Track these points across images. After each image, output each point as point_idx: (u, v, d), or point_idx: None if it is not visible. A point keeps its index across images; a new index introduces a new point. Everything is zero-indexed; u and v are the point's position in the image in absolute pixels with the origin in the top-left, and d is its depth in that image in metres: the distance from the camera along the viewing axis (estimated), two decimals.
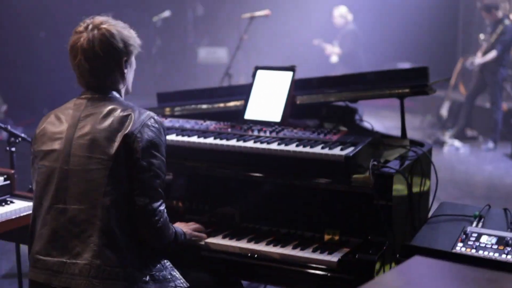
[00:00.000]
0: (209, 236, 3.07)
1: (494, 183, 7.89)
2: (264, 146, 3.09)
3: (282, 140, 3.14)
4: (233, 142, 3.16)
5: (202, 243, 3.03)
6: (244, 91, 3.62)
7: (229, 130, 3.35)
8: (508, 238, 2.65)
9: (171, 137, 3.30)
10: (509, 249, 2.59)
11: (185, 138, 3.27)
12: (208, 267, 3.06)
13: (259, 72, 3.60)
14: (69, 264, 2.55)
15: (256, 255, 2.95)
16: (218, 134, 3.28)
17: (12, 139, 3.59)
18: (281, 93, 3.48)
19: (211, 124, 3.46)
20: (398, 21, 13.18)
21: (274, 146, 3.08)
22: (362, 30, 11.02)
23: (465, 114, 10.14)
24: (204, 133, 3.33)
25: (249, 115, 3.51)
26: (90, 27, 2.67)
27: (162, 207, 2.66)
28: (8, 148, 3.62)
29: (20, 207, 3.17)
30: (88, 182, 2.56)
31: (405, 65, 11.42)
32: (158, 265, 2.69)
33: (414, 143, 3.53)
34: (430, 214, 3.22)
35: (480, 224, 2.86)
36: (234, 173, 3.20)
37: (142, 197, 2.59)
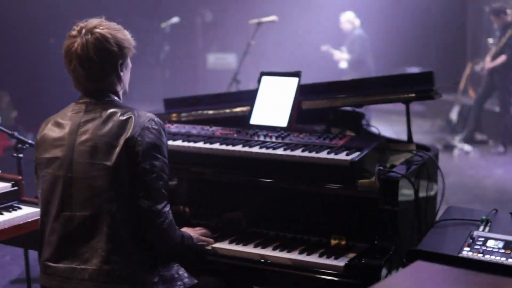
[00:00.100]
0: (216, 241, 3.07)
1: (504, 187, 7.85)
2: (270, 151, 3.09)
3: (287, 146, 3.14)
4: (238, 148, 3.17)
5: (209, 248, 3.03)
6: (250, 97, 3.62)
7: (235, 135, 3.36)
8: None
9: (177, 142, 3.31)
10: None
11: (191, 144, 3.28)
12: (215, 272, 3.05)
13: (264, 77, 3.61)
14: (78, 270, 2.56)
15: (262, 260, 2.95)
16: (224, 140, 3.29)
17: (20, 145, 3.61)
18: (287, 98, 3.48)
19: (217, 130, 3.47)
20: (406, 26, 13.17)
21: (279, 151, 3.08)
22: (371, 35, 11.00)
23: (474, 118, 10.12)
24: (210, 138, 3.34)
25: (255, 120, 3.52)
26: (83, 31, 2.65)
27: (167, 208, 2.66)
28: (15, 154, 3.63)
29: (27, 212, 3.18)
30: (92, 189, 2.57)
31: (414, 70, 11.41)
32: (166, 265, 2.70)
33: (420, 147, 3.52)
34: (437, 218, 3.21)
35: (487, 228, 2.84)
36: (240, 178, 3.20)
37: (146, 199, 2.59)
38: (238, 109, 3.71)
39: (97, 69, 2.66)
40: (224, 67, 13.20)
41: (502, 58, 9.51)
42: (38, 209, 2.81)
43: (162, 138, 2.67)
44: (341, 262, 2.81)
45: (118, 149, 2.56)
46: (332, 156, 2.98)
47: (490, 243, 2.67)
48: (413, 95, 3.36)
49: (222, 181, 3.27)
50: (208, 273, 3.04)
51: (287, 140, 3.23)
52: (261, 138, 3.28)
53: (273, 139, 3.26)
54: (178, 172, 3.36)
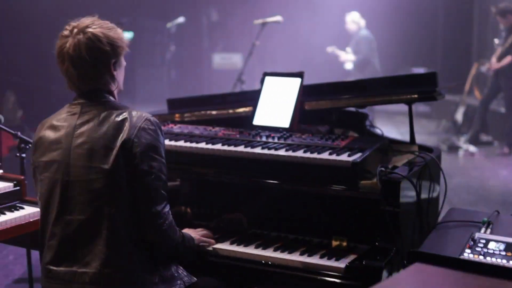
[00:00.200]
0: (217, 242, 3.08)
1: (509, 188, 7.82)
2: (272, 152, 3.09)
3: (289, 146, 3.14)
4: (240, 148, 3.17)
5: (210, 248, 3.03)
6: (253, 97, 3.62)
7: (238, 136, 3.36)
8: None
9: (180, 143, 3.31)
10: None
11: (193, 144, 3.28)
12: (216, 273, 3.05)
13: (267, 78, 3.61)
14: (79, 273, 2.56)
15: (263, 261, 2.95)
16: (226, 140, 3.28)
17: (23, 145, 3.61)
18: (290, 99, 3.48)
19: (219, 130, 3.47)
20: (412, 26, 13.17)
21: (281, 152, 3.08)
22: (377, 36, 10.99)
23: (480, 119, 10.09)
24: (212, 139, 3.34)
25: (257, 121, 3.52)
26: (75, 31, 2.62)
27: (167, 209, 2.65)
28: (18, 154, 3.64)
29: (29, 212, 3.19)
30: (91, 192, 2.56)
31: (420, 70, 11.40)
32: (166, 265, 2.70)
33: (423, 148, 3.51)
34: (439, 220, 3.20)
35: (489, 230, 2.84)
36: (242, 179, 3.20)
37: (145, 200, 2.59)
38: (241, 110, 3.72)
39: (90, 69, 2.64)
40: (230, 67, 13.20)
41: (508, 59, 9.48)
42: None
43: (159, 138, 2.65)
44: (342, 264, 2.81)
45: (115, 152, 2.54)
46: (334, 157, 2.97)
47: (492, 245, 2.67)
48: (415, 96, 3.35)
49: (224, 181, 3.27)
50: (209, 274, 3.04)
51: (289, 141, 3.23)
52: (263, 139, 3.28)
53: (275, 140, 3.26)
54: (180, 173, 3.37)
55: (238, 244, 3.06)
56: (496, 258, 2.58)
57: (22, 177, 3.38)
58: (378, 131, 3.74)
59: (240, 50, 13.35)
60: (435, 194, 3.39)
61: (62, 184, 2.59)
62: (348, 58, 10.56)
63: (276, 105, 3.51)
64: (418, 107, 12.39)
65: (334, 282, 2.80)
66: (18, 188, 3.33)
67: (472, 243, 2.70)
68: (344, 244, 3.00)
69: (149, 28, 14.14)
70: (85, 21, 2.67)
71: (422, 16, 13.31)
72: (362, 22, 10.53)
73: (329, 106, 3.53)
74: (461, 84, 8.87)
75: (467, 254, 2.63)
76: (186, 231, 2.93)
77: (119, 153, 2.54)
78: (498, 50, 9.79)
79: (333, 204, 3.12)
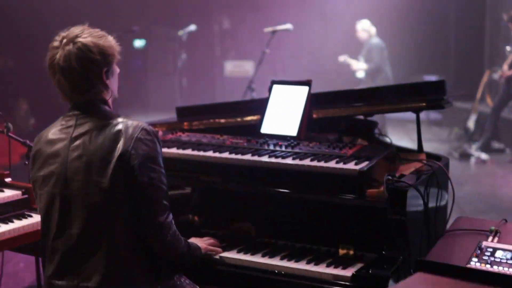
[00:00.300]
0: (224, 250, 3.08)
1: None
2: (279, 160, 3.09)
3: (297, 155, 3.14)
4: (248, 157, 3.17)
5: (217, 257, 3.03)
6: (261, 105, 3.63)
7: (245, 144, 3.36)
8: None
9: (187, 151, 3.32)
10: None
11: (201, 153, 3.28)
12: (223, 281, 3.05)
13: (275, 86, 3.62)
14: (81, 287, 2.54)
15: (270, 270, 2.95)
16: (233, 149, 3.29)
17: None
18: (297, 107, 3.48)
19: (227, 139, 3.48)
20: (424, 34, 13.16)
21: (288, 160, 3.08)
22: (389, 43, 10.98)
23: (491, 126, 10.05)
24: (219, 147, 3.34)
25: (265, 129, 3.53)
26: (64, 41, 2.57)
27: (169, 219, 2.63)
28: (26, 162, 3.65)
29: (38, 220, 3.19)
30: (90, 206, 2.53)
31: (432, 78, 11.40)
32: (168, 274, 2.70)
33: (431, 156, 3.50)
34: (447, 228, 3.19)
35: (496, 239, 2.83)
36: (250, 187, 3.21)
37: (148, 213, 2.57)
38: (249, 118, 3.73)
39: (82, 79, 2.58)
40: (242, 74, 13.24)
41: None
42: None
43: (157, 148, 2.61)
44: (348, 272, 2.80)
45: (112, 164, 2.50)
46: (340, 165, 2.97)
47: (499, 253, 2.65)
48: (423, 104, 3.35)
49: (232, 190, 3.28)
50: (216, 282, 3.04)
51: (296, 149, 3.23)
52: (271, 147, 3.28)
53: (283, 148, 3.26)
54: (188, 181, 3.38)
55: (245, 253, 3.06)
56: (503, 267, 2.57)
57: (31, 185, 3.39)
58: (386, 139, 3.73)
59: (252, 57, 13.39)
60: (443, 203, 3.38)
61: (61, 198, 2.56)
62: (360, 67, 10.55)
63: (284, 113, 3.51)
64: (430, 115, 12.37)
65: None
66: (26, 196, 3.35)
67: (479, 251, 2.69)
68: (351, 252, 3.00)
69: (160, 36, 14.21)
70: (75, 30, 2.62)
71: (434, 23, 13.30)
72: (373, 30, 10.51)
73: (336, 115, 3.54)
74: (468, 92, 8.83)
75: (474, 263, 2.62)
76: (192, 240, 2.93)
77: (117, 166, 2.50)
78: (510, 57, 9.76)
79: (340, 212, 3.11)
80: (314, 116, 3.53)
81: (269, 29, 7.94)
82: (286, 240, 3.18)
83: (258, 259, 3.00)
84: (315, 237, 3.14)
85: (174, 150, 3.35)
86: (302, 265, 2.90)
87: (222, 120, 3.79)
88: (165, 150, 3.35)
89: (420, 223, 3.09)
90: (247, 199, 3.34)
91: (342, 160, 3.01)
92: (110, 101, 2.71)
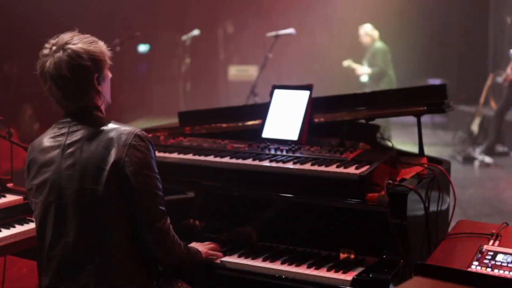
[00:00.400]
0: (225, 254, 3.08)
1: None
2: (280, 165, 3.10)
3: (297, 159, 3.15)
4: (248, 161, 3.18)
5: (218, 261, 3.03)
6: (263, 110, 3.63)
7: (246, 149, 3.37)
8: None
9: (189, 156, 3.33)
10: None
11: (202, 157, 3.29)
12: (224, 285, 3.06)
13: (276, 91, 3.63)
14: None
15: (270, 274, 2.95)
16: (234, 153, 3.30)
17: None
18: (298, 112, 3.49)
19: (228, 143, 3.48)
20: (428, 37, 13.16)
21: (289, 165, 3.09)
22: (393, 47, 10.97)
23: (495, 129, 10.04)
24: (220, 152, 3.35)
25: (266, 133, 3.53)
26: (54, 48, 2.56)
27: (167, 224, 2.63)
28: None
29: None
30: (85, 214, 2.52)
31: (436, 81, 11.40)
32: (165, 280, 2.70)
33: (432, 160, 3.50)
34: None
35: (497, 242, 2.82)
36: (251, 192, 3.21)
37: (145, 219, 2.56)
38: (250, 123, 3.74)
39: (73, 86, 2.57)
40: (246, 79, 13.22)
41: None
42: None
43: (150, 153, 2.59)
44: (348, 276, 2.80)
45: (106, 172, 2.49)
46: (341, 169, 2.98)
47: (499, 257, 2.65)
48: (424, 108, 3.35)
49: (233, 194, 3.28)
50: (216, 286, 3.05)
51: (297, 154, 3.24)
52: (272, 152, 3.29)
53: (284, 153, 3.26)
54: (189, 186, 3.39)
55: (246, 257, 3.06)
56: (504, 271, 2.57)
57: None
58: (388, 143, 3.74)
59: (256, 62, 13.39)
60: (444, 207, 3.38)
61: (56, 206, 2.55)
62: (364, 71, 10.54)
63: (285, 117, 3.52)
64: (435, 118, 12.37)
65: None
66: (28, 201, 3.35)
67: (479, 255, 2.69)
68: (352, 256, 3.00)
69: (164, 40, 14.23)
70: (64, 37, 2.60)
71: (438, 27, 13.31)
72: (376, 34, 10.50)
73: (338, 119, 3.54)
74: (469, 95, 8.79)
75: (475, 267, 2.62)
76: (193, 245, 2.93)
77: (111, 173, 2.49)
78: None
79: (341, 216, 3.11)
80: (316, 120, 3.53)
81: (271, 33, 7.95)
82: (287, 245, 3.18)
83: (259, 263, 3.00)
84: (316, 241, 3.13)
85: (175, 155, 3.36)
86: (302, 269, 2.91)
87: (224, 125, 3.80)
88: (166, 155, 3.36)
89: (421, 227, 3.09)
90: (248, 204, 3.34)
91: (342, 165, 3.02)
92: (102, 107, 2.70)
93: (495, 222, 3.14)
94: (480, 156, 9.78)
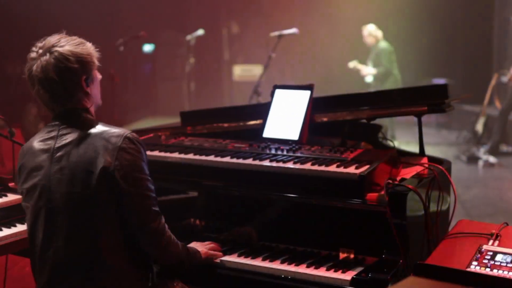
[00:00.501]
0: (225, 254, 3.08)
1: None
2: (280, 164, 3.10)
3: (298, 159, 3.15)
4: (249, 161, 3.18)
5: (218, 261, 3.03)
6: (264, 110, 3.64)
7: (247, 148, 3.37)
8: None
9: (189, 156, 3.33)
10: None
11: (203, 157, 3.29)
12: (224, 285, 3.06)
13: (277, 91, 3.63)
14: None
15: (270, 273, 2.96)
16: (235, 153, 3.30)
17: None
18: (299, 112, 3.49)
19: (229, 143, 3.49)
20: (433, 37, 13.14)
21: (290, 165, 3.09)
22: (398, 47, 10.96)
23: (500, 129, 10.03)
24: (221, 152, 3.35)
25: (267, 133, 3.54)
26: (41, 51, 2.54)
27: (162, 225, 2.62)
28: None
29: None
30: (74, 218, 2.51)
31: (441, 81, 11.40)
32: (160, 280, 2.70)
33: (433, 160, 3.50)
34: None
35: (497, 242, 2.82)
36: (251, 191, 3.22)
37: (139, 222, 2.56)
38: (251, 123, 3.74)
39: (61, 89, 2.55)
40: (250, 78, 13.23)
41: None
42: None
43: (141, 155, 2.57)
44: (348, 276, 2.80)
45: (96, 176, 2.47)
46: (341, 169, 2.98)
47: (499, 257, 2.65)
48: (424, 108, 3.35)
49: (233, 194, 3.29)
50: (216, 286, 3.05)
51: (298, 154, 3.24)
52: (272, 151, 3.29)
53: (284, 153, 3.26)
54: (190, 185, 3.39)
55: (246, 257, 3.06)
56: (503, 271, 2.57)
57: None
58: (390, 143, 3.74)
59: (260, 61, 13.39)
60: (444, 206, 3.38)
61: (46, 211, 2.54)
62: (370, 72, 10.53)
63: (286, 117, 3.52)
64: (439, 118, 12.35)
65: None
66: None
67: (479, 255, 2.69)
68: (352, 256, 3.01)
69: (169, 40, 14.25)
70: (51, 40, 2.58)
71: (443, 27, 13.29)
72: (379, 34, 10.49)
73: (339, 119, 3.54)
74: (471, 95, 8.78)
75: (474, 267, 2.62)
76: (193, 244, 2.94)
77: (101, 177, 2.47)
78: None
79: (341, 216, 3.11)
80: (317, 120, 3.54)
81: (275, 33, 7.96)
82: (287, 244, 3.19)
83: (258, 262, 3.01)
84: (316, 240, 3.14)
85: (176, 155, 3.37)
86: (302, 269, 2.91)
87: (225, 125, 3.81)
88: (167, 154, 3.37)
89: (421, 227, 3.09)
90: (248, 203, 3.34)
91: (342, 164, 3.02)
92: (92, 109, 2.68)
93: (499, 222, 3.13)
94: (484, 156, 9.76)
